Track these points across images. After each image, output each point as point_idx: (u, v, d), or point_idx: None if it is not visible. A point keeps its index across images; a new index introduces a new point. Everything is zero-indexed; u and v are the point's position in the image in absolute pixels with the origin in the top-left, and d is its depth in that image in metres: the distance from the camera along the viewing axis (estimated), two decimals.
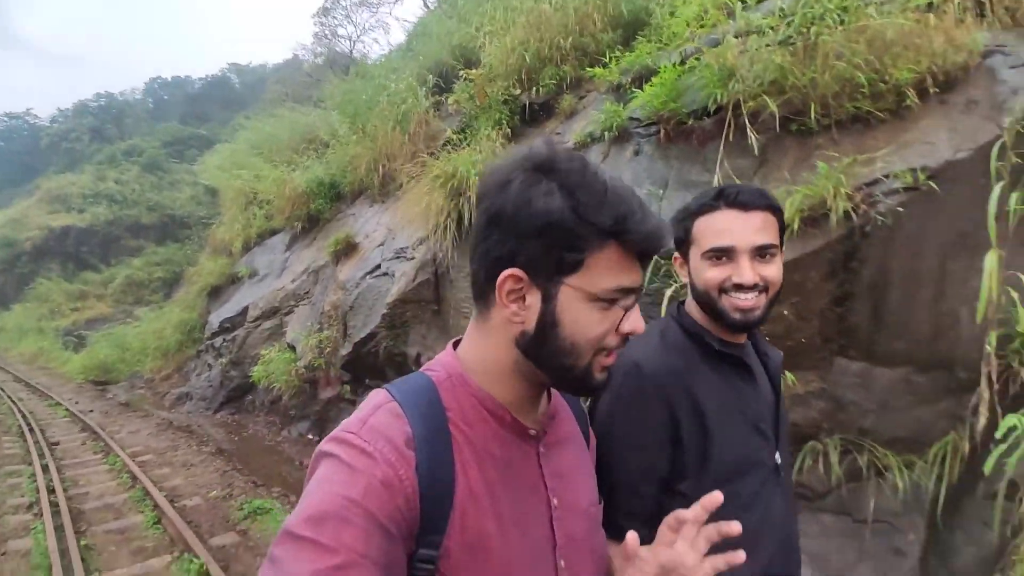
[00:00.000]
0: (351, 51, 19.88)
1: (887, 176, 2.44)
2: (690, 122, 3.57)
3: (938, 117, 2.59)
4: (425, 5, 17.91)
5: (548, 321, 0.59)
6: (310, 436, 6.02)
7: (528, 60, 5.66)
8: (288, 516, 0.52)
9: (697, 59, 3.60)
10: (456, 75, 6.90)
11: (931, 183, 2.33)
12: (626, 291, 0.59)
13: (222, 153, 13.19)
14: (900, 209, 2.36)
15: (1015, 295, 2.14)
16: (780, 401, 1.02)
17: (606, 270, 0.58)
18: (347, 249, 6.40)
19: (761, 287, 0.91)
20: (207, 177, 13.28)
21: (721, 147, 3.25)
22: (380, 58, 12.56)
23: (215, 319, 8.95)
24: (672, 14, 4.50)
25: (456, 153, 4.97)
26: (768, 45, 3.16)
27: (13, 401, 9.54)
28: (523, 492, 0.63)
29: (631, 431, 0.89)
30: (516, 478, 0.63)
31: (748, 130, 3.11)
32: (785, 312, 2.58)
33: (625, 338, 0.62)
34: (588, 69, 4.89)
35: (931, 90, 2.65)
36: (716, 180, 3.16)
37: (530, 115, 5.54)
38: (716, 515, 0.67)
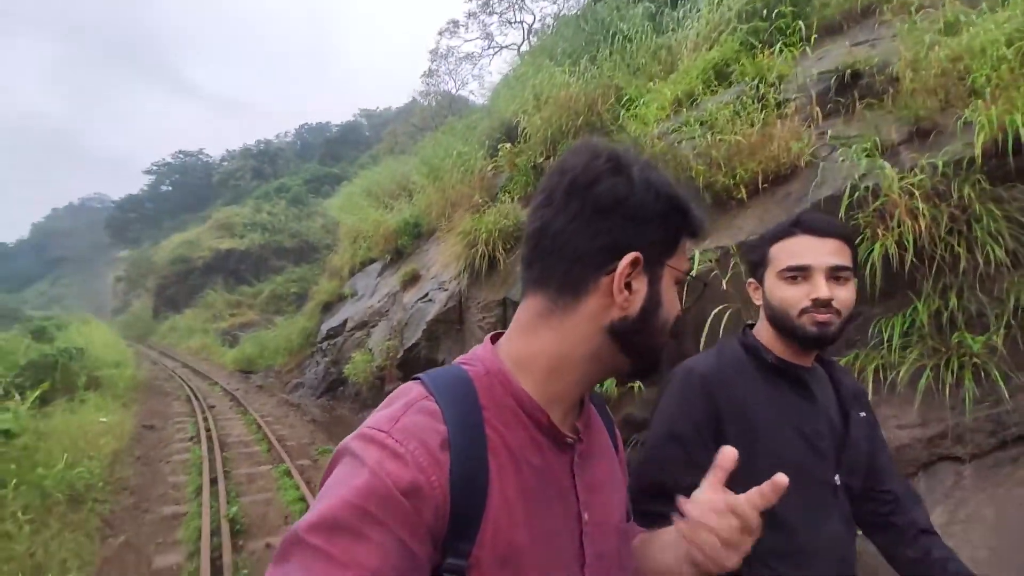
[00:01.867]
0: (451, 98, 23.13)
1: (706, 250, 3.62)
2: None
3: (760, 207, 3.69)
4: (520, 55, 20.42)
5: (654, 303, 0.60)
6: None
7: (550, 134, 7.24)
8: (302, 516, 0.50)
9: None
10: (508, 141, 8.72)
11: (716, 260, 3.48)
12: (687, 272, 0.65)
13: (342, 194, 16.56)
14: (714, 273, 3.52)
15: None
16: (850, 423, 1.04)
17: (682, 253, 0.63)
18: (412, 279, 8.42)
19: (836, 306, 0.96)
20: (331, 214, 16.73)
21: None
22: (465, 113, 14.89)
23: (324, 328, 11.62)
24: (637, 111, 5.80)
25: (479, 214, 6.67)
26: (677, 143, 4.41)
27: (183, 380, 13.20)
28: (555, 504, 0.60)
29: (673, 422, 0.95)
30: (549, 487, 0.60)
31: None
32: None
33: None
34: None
35: (761, 185, 3.75)
36: None
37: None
38: (781, 535, 0.76)
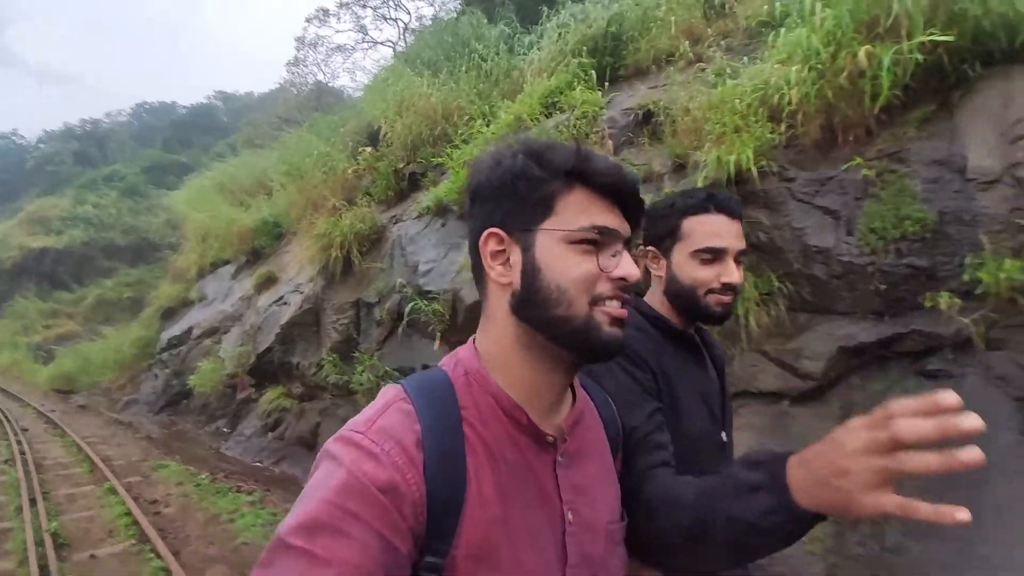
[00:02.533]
0: (320, 89, 22.15)
1: None
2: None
3: None
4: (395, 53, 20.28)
5: (531, 269, 0.59)
6: (225, 429, 7.63)
7: (411, 140, 7.57)
8: (282, 521, 0.50)
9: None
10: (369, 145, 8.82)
11: None
12: (603, 230, 0.59)
13: (191, 188, 15.04)
14: None
15: None
16: (725, 386, 1.12)
17: (577, 211, 0.59)
18: (268, 282, 8.16)
19: (737, 289, 1.03)
20: (175, 209, 15.07)
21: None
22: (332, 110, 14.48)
23: (165, 337, 10.59)
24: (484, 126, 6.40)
25: (336, 217, 6.77)
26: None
27: None
28: (535, 503, 0.60)
29: (630, 391, 0.90)
30: (528, 486, 0.60)
31: None
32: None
33: (623, 286, 0.60)
34: (437, 158, 6.72)
35: None
36: None
37: (410, 183, 7.38)
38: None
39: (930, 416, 0.45)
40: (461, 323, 4.45)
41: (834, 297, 3.31)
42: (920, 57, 3.15)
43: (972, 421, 0.44)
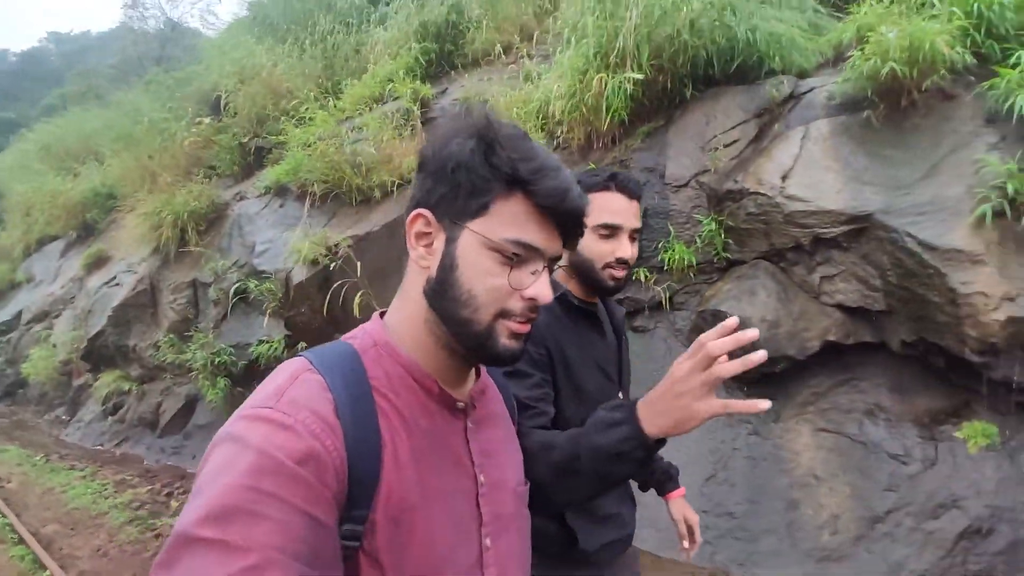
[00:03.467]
0: (166, 33, 19.75)
1: (344, 238, 4.73)
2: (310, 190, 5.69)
3: (387, 207, 4.96)
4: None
5: (448, 264, 0.59)
6: (64, 416, 7.34)
7: (255, 113, 7.46)
8: (179, 518, 0.46)
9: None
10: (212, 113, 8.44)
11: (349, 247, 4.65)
12: (528, 248, 0.59)
13: (12, 153, 13.04)
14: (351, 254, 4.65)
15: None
16: (623, 349, 1.25)
17: (509, 220, 0.58)
18: (99, 262, 7.74)
19: (630, 263, 1.13)
20: None
21: (306, 210, 5.43)
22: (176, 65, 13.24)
23: None
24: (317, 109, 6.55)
25: (169, 193, 6.63)
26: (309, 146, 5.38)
27: None
28: (448, 466, 0.62)
29: (521, 363, 0.93)
30: (442, 451, 0.61)
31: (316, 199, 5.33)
32: (303, 309, 4.81)
33: (532, 306, 0.61)
34: (277, 136, 6.74)
35: (390, 190, 5.01)
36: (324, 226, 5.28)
37: (256, 158, 7.34)
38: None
39: (725, 336, 0.63)
40: (292, 300, 4.87)
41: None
42: (638, 78, 4.03)
43: (751, 333, 0.62)
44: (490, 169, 0.58)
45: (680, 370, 0.67)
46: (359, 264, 4.46)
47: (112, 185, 9.35)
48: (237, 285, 5.12)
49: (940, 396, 2.76)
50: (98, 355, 6.56)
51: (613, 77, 4.08)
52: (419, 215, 0.61)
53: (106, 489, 4.62)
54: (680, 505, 1.30)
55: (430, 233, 0.61)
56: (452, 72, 6.79)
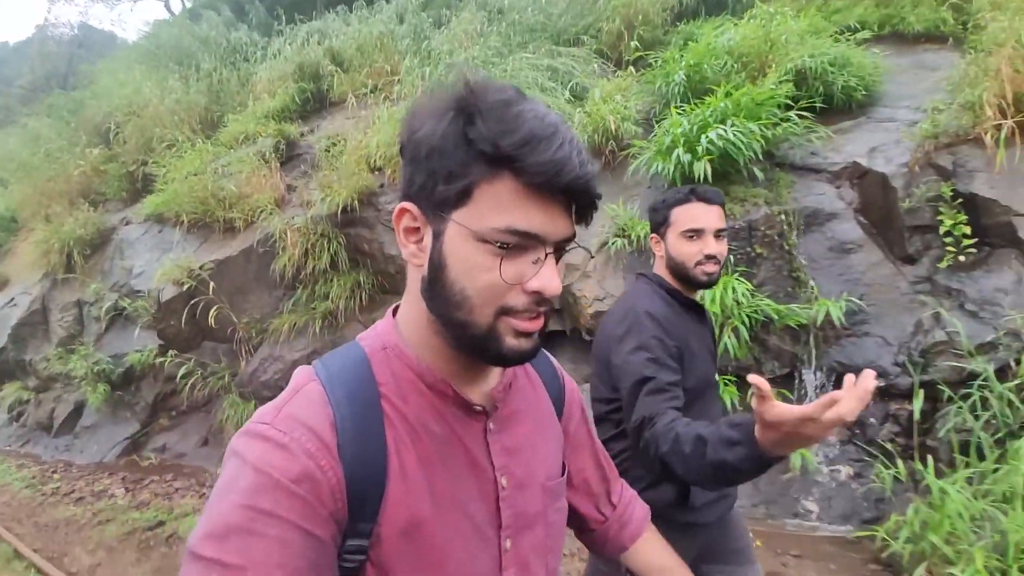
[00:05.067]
0: (79, 40, 19.51)
1: (205, 262, 5.75)
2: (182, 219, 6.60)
3: (246, 236, 5.99)
4: (169, 10, 18.78)
5: (436, 262, 0.54)
6: None
7: (143, 142, 8.23)
8: (192, 531, 0.48)
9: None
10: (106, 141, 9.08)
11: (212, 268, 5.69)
12: (521, 235, 0.52)
13: None
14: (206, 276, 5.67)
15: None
16: (713, 334, 1.49)
17: (496, 206, 0.52)
18: (1, 283, 8.28)
19: (719, 259, 1.35)
20: None
21: (176, 237, 6.39)
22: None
23: None
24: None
25: (56, 223, 7.35)
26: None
27: None
28: (464, 471, 0.60)
29: (645, 346, 1.24)
30: (456, 457, 0.60)
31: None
32: (171, 322, 5.79)
33: (539, 299, 0.54)
34: (160, 167, 7.56)
35: (249, 220, 6.05)
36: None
37: (144, 184, 8.11)
38: (692, 418, 1.08)
39: (859, 396, 0.67)
40: (162, 315, 5.84)
41: (399, 283, 5.50)
42: None
43: (872, 385, 0.69)
44: (467, 149, 0.51)
45: (813, 412, 0.70)
46: (211, 284, 5.52)
47: (14, 210, 9.77)
48: (115, 303, 6.03)
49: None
50: (1, 369, 7.21)
51: None
52: (403, 210, 0.57)
53: (9, 471, 5.54)
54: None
55: (418, 228, 0.56)
56: (323, 111, 7.88)
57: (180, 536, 3.72)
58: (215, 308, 5.49)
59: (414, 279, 0.60)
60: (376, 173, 5.80)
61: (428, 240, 0.56)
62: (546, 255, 0.54)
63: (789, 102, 3.88)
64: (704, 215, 1.34)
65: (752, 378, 0.74)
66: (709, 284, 1.36)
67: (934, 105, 3.75)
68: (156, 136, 8.14)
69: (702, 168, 3.41)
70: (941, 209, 3.30)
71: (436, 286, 0.55)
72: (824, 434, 0.73)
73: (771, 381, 3.44)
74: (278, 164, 6.46)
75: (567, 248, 0.57)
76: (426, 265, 0.56)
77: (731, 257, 3.51)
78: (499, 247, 0.52)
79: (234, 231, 6.10)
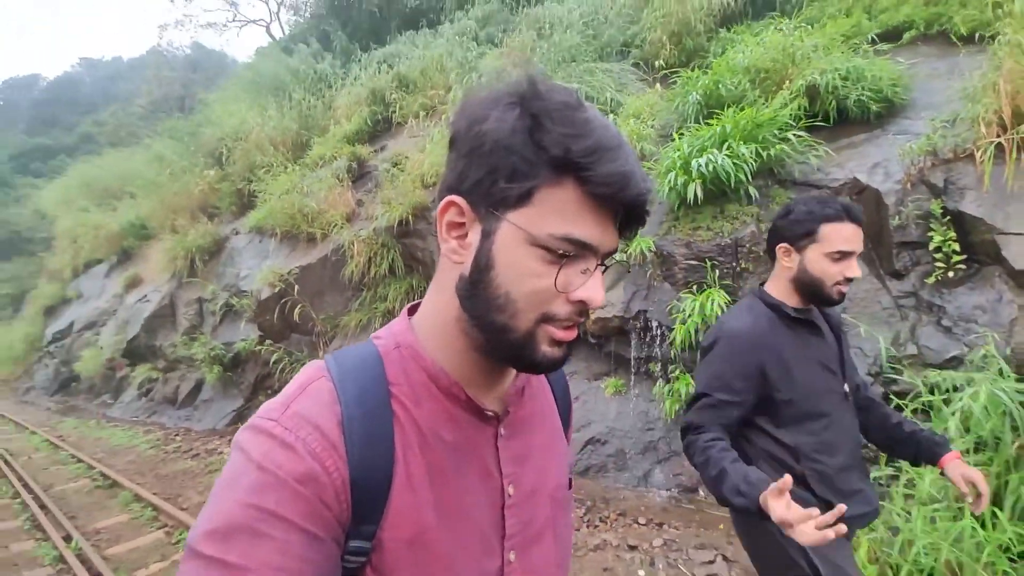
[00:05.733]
0: (195, 60, 22.62)
1: (292, 268, 6.91)
2: (276, 231, 7.90)
3: (326, 244, 7.09)
4: (269, 34, 21.25)
5: (483, 261, 0.53)
6: (108, 400, 9.86)
7: (250, 163, 9.73)
8: (192, 526, 0.48)
9: None
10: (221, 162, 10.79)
11: (297, 273, 6.84)
12: (579, 244, 0.52)
13: (57, 187, 15.96)
14: (292, 280, 6.81)
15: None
16: (842, 345, 1.45)
17: (556, 212, 0.51)
18: (134, 283, 10.23)
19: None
20: (45, 207, 15.99)
21: (271, 246, 7.64)
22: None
23: (49, 332, 12.28)
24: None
25: (182, 234, 8.99)
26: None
27: None
28: (472, 479, 0.59)
29: (724, 375, 1.32)
30: (466, 464, 0.59)
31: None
32: (267, 317, 7.02)
33: (582, 309, 0.54)
34: (261, 184, 8.95)
35: (328, 233, 7.14)
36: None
37: (250, 199, 9.60)
38: (820, 433, 1.25)
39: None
40: (260, 311, 7.09)
41: None
42: None
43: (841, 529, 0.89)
44: (535, 150, 0.51)
45: (793, 519, 0.95)
46: (296, 287, 6.65)
47: (144, 218, 11.91)
48: (226, 300, 7.40)
49: (601, 363, 4.71)
50: (135, 353, 9.01)
51: None
52: (451, 203, 0.55)
53: (137, 436, 7.13)
54: (957, 466, 1.35)
55: (464, 224, 0.55)
56: (390, 132, 8.88)
57: None
58: (299, 306, 6.62)
59: (447, 276, 0.58)
60: (429, 189, 6.63)
61: (474, 238, 0.54)
62: (597, 266, 0.54)
63: (791, 121, 4.13)
64: (855, 237, 1.33)
65: (782, 482, 0.98)
66: (838, 303, 1.38)
67: (939, 119, 3.84)
68: (258, 159, 9.65)
69: (694, 190, 3.81)
70: (932, 225, 3.44)
71: (479, 286, 0.54)
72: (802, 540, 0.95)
73: None
74: (350, 183, 7.51)
75: (609, 262, 0.57)
76: (469, 263, 0.54)
77: (716, 271, 3.87)
78: (557, 255, 0.52)
79: (314, 241, 7.23)
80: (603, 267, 0.55)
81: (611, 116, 5.87)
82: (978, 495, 1.28)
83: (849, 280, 1.33)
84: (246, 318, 7.25)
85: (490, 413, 0.61)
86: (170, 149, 12.23)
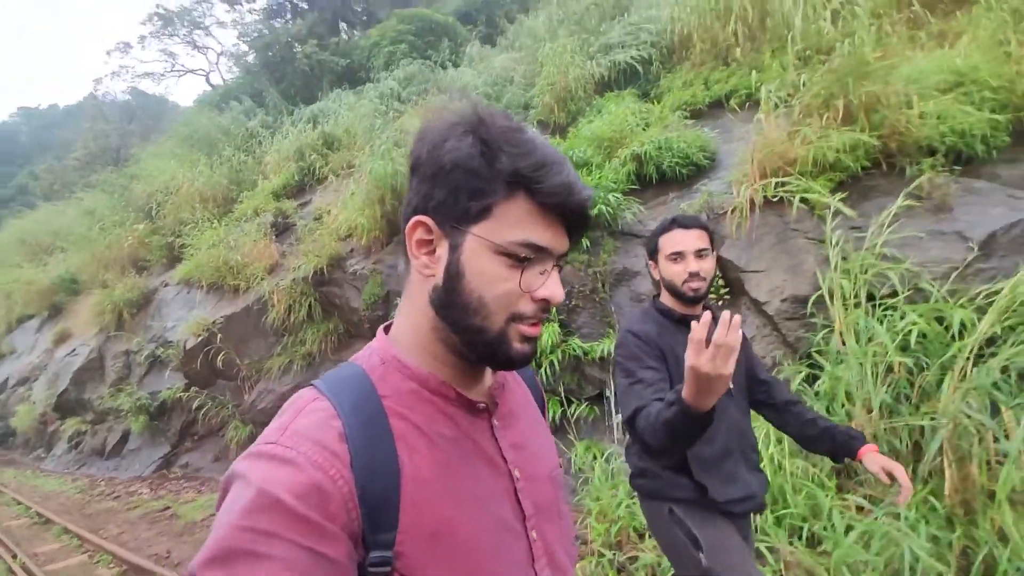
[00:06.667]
0: (133, 107, 22.64)
1: (217, 318, 7.48)
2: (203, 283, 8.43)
3: (248, 295, 7.71)
4: (209, 83, 21.77)
5: (454, 271, 0.59)
6: (42, 454, 9.91)
7: (180, 217, 10.23)
8: (194, 557, 0.48)
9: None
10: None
11: (222, 322, 7.43)
12: (536, 248, 0.59)
13: None
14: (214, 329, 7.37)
15: None
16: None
17: (514, 222, 0.58)
18: (64, 337, 10.44)
19: (702, 275, 1.56)
20: None
21: (198, 297, 8.19)
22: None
23: None
24: None
25: (110, 288, 9.38)
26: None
27: None
28: (481, 469, 0.62)
29: (638, 359, 1.47)
30: (472, 455, 0.62)
31: None
32: (194, 365, 7.51)
33: (545, 307, 0.61)
34: (188, 239, 9.49)
35: (250, 284, 7.77)
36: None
37: (180, 253, 10.07)
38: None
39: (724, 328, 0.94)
40: (187, 359, 7.57)
41: (362, 329, 7.00)
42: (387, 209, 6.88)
43: (736, 321, 0.94)
44: (491, 171, 0.58)
45: (701, 366, 0.96)
46: (219, 335, 7.22)
47: (74, 273, 12.07)
48: (152, 351, 7.85)
49: None
50: (64, 407, 9.21)
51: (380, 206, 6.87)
52: (419, 223, 0.61)
53: (67, 483, 7.57)
54: (876, 458, 1.45)
55: (432, 240, 0.61)
56: (315, 187, 9.64)
57: (177, 514, 5.53)
58: (223, 353, 7.17)
59: (419, 290, 0.63)
60: (344, 241, 7.40)
61: (442, 252, 0.60)
62: (552, 267, 0.61)
63: (614, 183, 5.19)
64: (683, 239, 1.57)
65: (724, 314, 0.98)
66: (697, 299, 1.57)
67: (728, 178, 4.96)
68: (187, 213, 10.17)
69: None
70: None
71: (453, 294, 0.59)
72: (717, 369, 0.96)
73: (587, 400, 4.67)
74: (274, 236, 8.20)
75: (562, 264, 0.63)
76: (441, 275, 0.60)
77: (555, 309, 4.80)
78: (519, 260, 0.59)
79: (239, 292, 7.83)
80: (559, 267, 0.63)
81: None
82: (902, 487, 1.38)
83: (695, 275, 1.55)
84: (171, 367, 7.72)
85: (481, 406, 0.65)
86: (102, 203, 12.58)
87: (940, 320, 2.89)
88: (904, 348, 2.86)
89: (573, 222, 0.62)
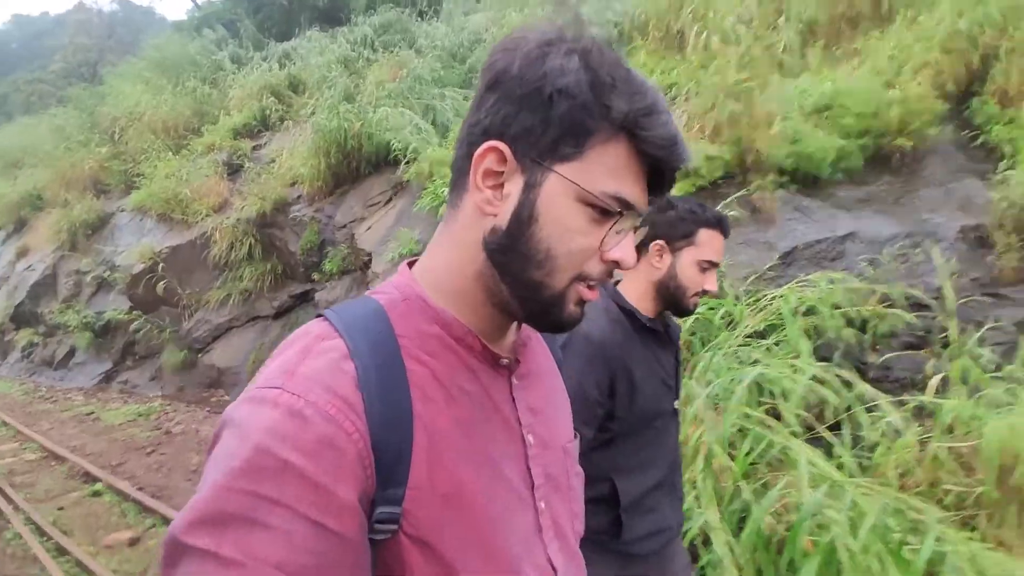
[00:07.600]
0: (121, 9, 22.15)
1: (163, 247, 7.88)
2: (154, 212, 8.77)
3: (197, 228, 8.10)
4: None
5: (525, 214, 0.51)
6: None
7: (142, 145, 10.40)
8: (177, 516, 0.43)
9: None
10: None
11: (168, 251, 7.84)
12: (623, 204, 0.52)
13: None
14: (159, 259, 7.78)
15: None
16: (678, 359, 1.39)
17: (607, 170, 0.51)
18: (24, 252, 10.78)
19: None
20: None
21: (147, 225, 8.55)
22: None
23: None
24: None
25: (68, 207, 9.66)
26: None
27: None
28: (498, 429, 0.57)
29: (582, 382, 1.13)
30: (489, 414, 0.57)
31: None
32: (138, 290, 7.97)
33: (610, 270, 0.55)
34: (146, 167, 9.71)
35: (203, 218, 8.13)
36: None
37: (136, 181, 10.29)
38: (639, 451, 1.11)
39: None
40: (132, 284, 8.02)
41: (296, 272, 7.45)
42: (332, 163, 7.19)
43: None
44: (599, 105, 0.49)
45: None
46: (163, 264, 7.65)
47: (41, 189, 12.22)
48: (101, 273, 8.27)
49: None
50: (20, 318, 9.68)
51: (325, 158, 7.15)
52: (493, 148, 0.52)
53: (13, 387, 8.26)
54: None
55: (502, 172, 0.52)
56: (277, 129, 9.82)
57: (99, 418, 6.26)
58: (166, 281, 7.62)
59: (470, 226, 0.55)
60: (291, 187, 7.74)
61: (513, 188, 0.52)
62: (631, 228, 0.54)
63: None
64: (721, 248, 1.31)
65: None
66: (690, 314, 1.35)
67: None
68: (148, 142, 10.33)
69: None
70: None
71: (517, 240, 0.52)
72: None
73: None
74: (226, 174, 8.48)
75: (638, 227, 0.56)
76: (508, 216, 0.52)
77: None
78: (604, 213, 0.51)
79: (187, 224, 8.20)
80: (636, 229, 0.55)
81: (440, 140, 7.14)
82: None
83: (706, 292, 1.30)
84: (117, 289, 8.17)
85: (504, 361, 0.59)
86: (72, 120, 12.59)
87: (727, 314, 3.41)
88: (692, 332, 3.37)
89: (664, 180, 0.55)
